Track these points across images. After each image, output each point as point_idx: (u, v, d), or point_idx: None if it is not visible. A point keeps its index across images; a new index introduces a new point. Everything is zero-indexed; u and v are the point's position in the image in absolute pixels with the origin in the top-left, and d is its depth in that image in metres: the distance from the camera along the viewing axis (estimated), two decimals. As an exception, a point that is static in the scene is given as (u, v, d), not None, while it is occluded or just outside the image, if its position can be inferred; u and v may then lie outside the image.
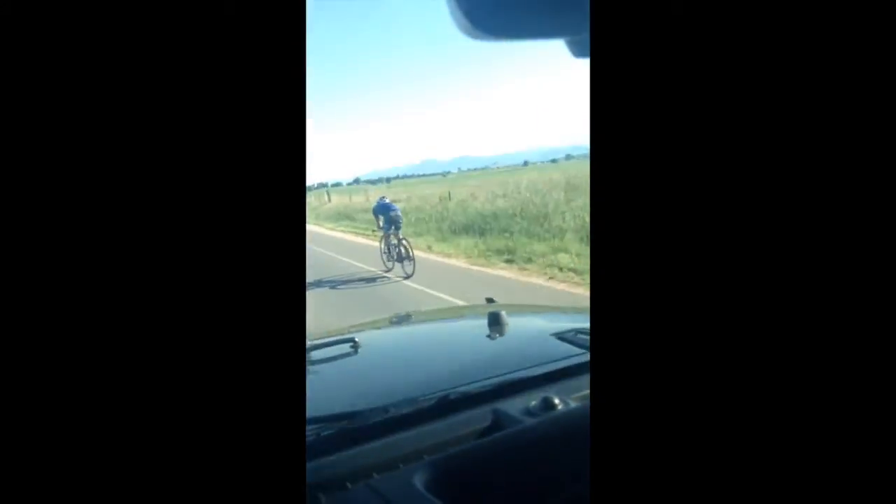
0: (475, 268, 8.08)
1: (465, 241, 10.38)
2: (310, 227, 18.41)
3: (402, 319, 2.19)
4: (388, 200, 8.47)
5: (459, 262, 8.63)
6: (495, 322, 1.46)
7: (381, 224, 8.26)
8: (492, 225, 11.18)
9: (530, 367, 1.09)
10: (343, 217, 21.98)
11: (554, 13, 0.53)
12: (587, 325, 1.22)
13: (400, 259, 7.82)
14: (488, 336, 1.45)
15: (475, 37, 0.50)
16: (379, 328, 1.99)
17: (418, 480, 0.71)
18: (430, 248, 10.30)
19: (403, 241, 7.81)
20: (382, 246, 8.48)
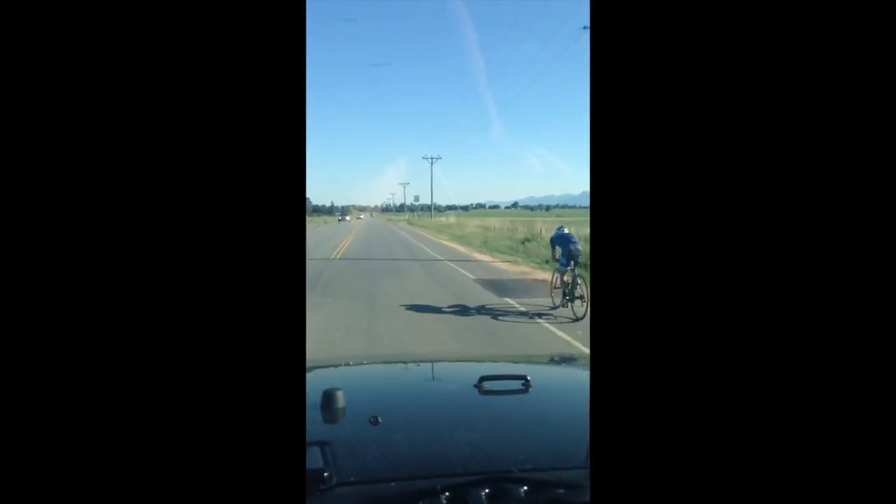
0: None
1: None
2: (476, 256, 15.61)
3: (568, 360, 2.09)
4: (567, 231, 7.43)
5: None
6: None
7: (556, 256, 7.26)
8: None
9: None
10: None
11: None
12: None
13: (573, 298, 6.73)
14: None
15: None
16: (546, 363, 1.93)
17: None
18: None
19: (579, 280, 6.71)
20: (555, 280, 7.47)
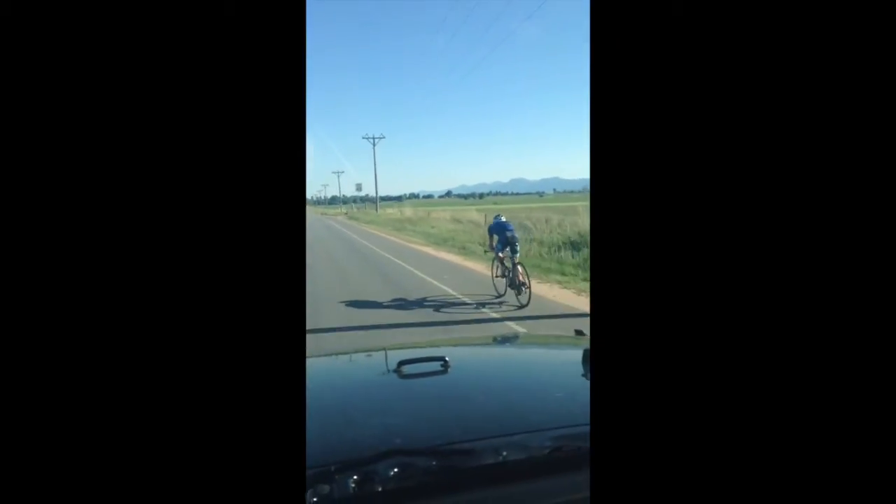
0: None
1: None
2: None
3: (505, 341, 2.20)
4: (503, 219, 7.54)
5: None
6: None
7: (493, 244, 7.35)
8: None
9: None
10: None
11: None
12: None
13: (514, 286, 6.86)
14: (583, 376, 1.29)
15: None
16: (477, 345, 2.03)
17: None
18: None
19: (519, 267, 6.85)
20: (495, 270, 7.57)
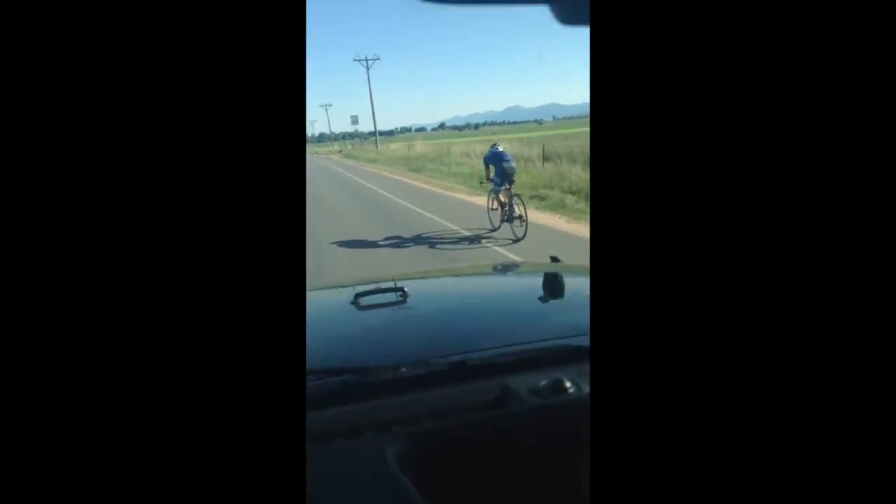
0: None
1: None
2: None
3: (509, 268, 2.34)
4: (500, 148, 7.31)
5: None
6: (552, 283, 1.46)
7: (490, 176, 7.17)
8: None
9: (569, 337, 1.04)
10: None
11: None
12: None
13: (510, 219, 6.74)
14: (540, 298, 1.43)
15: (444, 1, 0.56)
16: (444, 277, 2.18)
17: (391, 451, 0.73)
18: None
19: (516, 199, 6.71)
20: (490, 202, 7.42)
